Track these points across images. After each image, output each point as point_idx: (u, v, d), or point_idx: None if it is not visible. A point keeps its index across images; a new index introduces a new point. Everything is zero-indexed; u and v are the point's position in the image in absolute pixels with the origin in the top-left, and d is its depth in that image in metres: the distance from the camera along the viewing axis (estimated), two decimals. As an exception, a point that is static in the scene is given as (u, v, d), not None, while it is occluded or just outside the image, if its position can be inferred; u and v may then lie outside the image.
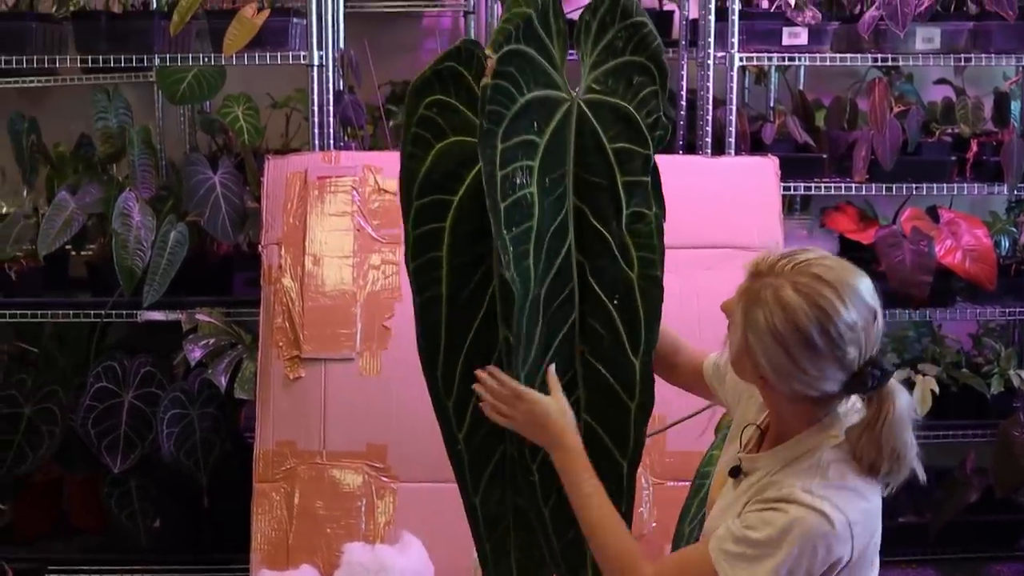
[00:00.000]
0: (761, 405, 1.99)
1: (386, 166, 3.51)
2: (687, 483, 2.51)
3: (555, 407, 2.03)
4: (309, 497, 3.25)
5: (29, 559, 3.78)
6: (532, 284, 2.02)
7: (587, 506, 2.00)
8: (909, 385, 3.89)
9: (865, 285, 1.82)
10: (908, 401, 1.84)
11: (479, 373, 2.06)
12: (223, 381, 3.48)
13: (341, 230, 3.44)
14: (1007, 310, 3.99)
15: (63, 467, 3.91)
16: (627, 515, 2.13)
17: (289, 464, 3.28)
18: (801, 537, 1.78)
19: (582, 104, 2.08)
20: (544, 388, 2.06)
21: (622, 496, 2.14)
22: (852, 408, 1.88)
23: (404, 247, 2.13)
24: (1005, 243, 4.27)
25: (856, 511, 1.81)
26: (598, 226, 2.10)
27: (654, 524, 3.16)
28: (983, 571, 3.91)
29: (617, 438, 2.14)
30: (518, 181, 1.99)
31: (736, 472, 1.97)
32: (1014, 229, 4.17)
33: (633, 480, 2.15)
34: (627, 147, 2.10)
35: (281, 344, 3.35)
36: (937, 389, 3.87)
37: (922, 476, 1.89)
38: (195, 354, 3.51)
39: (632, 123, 2.10)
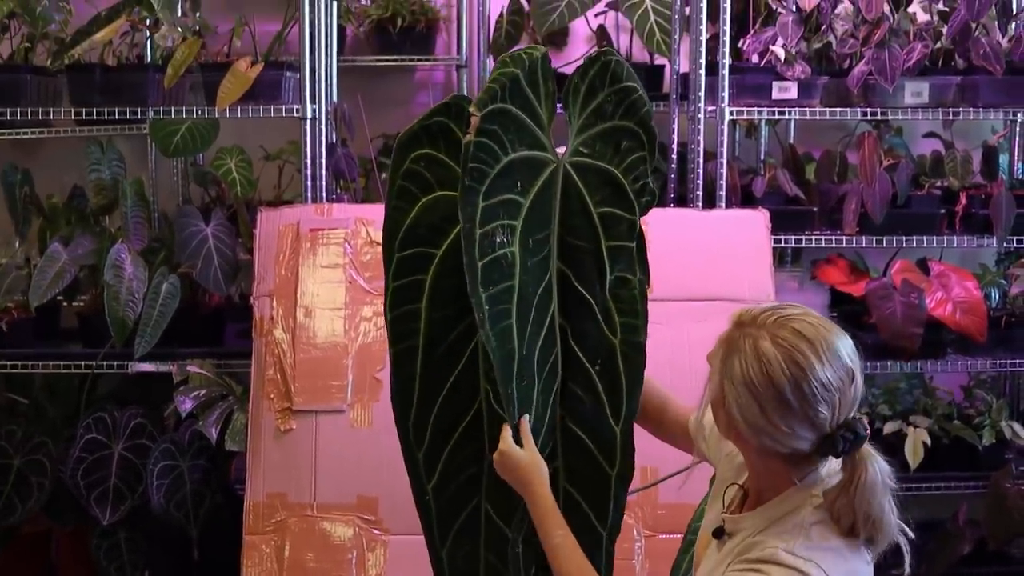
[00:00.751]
0: (742, 464, 1.97)
1: (378, 218, 3.46)
2: (679, 536, 2.50)
3: (526, 459, 2.03)
4: (300, 549, 3.23)
5: (16, 613, 3.76)
6: (515, 344, 2.00)
7: (556, 556, 2.01)
8: (900, 437, 3.89)
9: (846, 345, 1.82)
10: (883, 468, 1.82)
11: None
12: (214, 433, 3.47)
13: (333, 282, 3.45)
14: (998, 362, 4.00)
15: (52, 519, 3.89)
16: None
17: (280, 516, 3.26)
18: None
19: (568, 166, 2.09)
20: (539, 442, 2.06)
21: (601, 564, 2.13)
22: (835, 469, 1.86)
23: (383, 297, 2.14)
24: (995, 295, 4.28)
25: (840, 572, 1.80)
26: (581, 290, 2.09)
27: (646, 578, 3.15)
28: (976, 624, 3.90)
29: (596, 506, 2.14)
30: (498, 239, 1.98)
31: (720, 533, 1.96)
32: (1004, 281, 4.19)
33: (612, 548, 2.14)
34: (613, 211, 2.10)
35: (272, 396, 3.34)
36: (929, 441, 3.87)
37: (910, 534, 1.88)
38: (186, 405, 3.50)
39: (619, 188, 2.10)
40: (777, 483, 1.87)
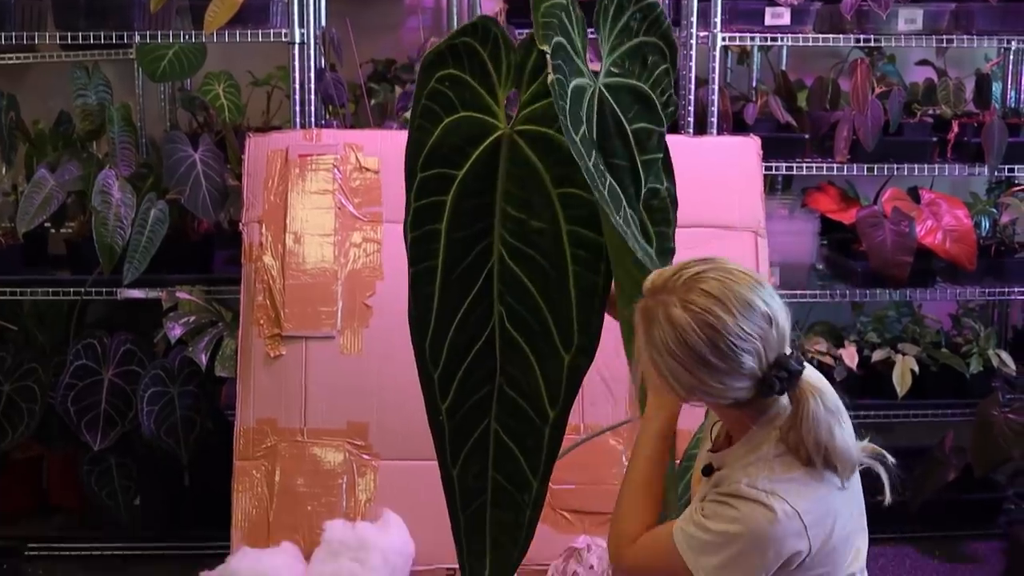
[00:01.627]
0: None
1: (367, 144, 3.50)
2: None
3: None
4: (290, 475, 3.24)
5: (8, 537, 3.76)
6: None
7: (633, 467, 2.03)
8: (888, 365, 3.91)
9: (759, 293, 1.81)
10: (826, 396, 1.84)
11: None
12: (204, 359, 3.47)
13: (322, 208, 3.43)
14: (986, 290, 4.01)
15: (43, 444, 3.90)
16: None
17: (270, 442, 3.27)
18: (748, 533, 1.81)
19: (602, 88, 2.09)
20: None
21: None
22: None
23: (404, 217, 2.15)
24: (985, 224, 4.29)
25: (806, 501, 1.82)
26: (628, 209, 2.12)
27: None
28: (961, 548, 3.93)
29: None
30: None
31: (708, 471, 2.00)
32: (994, 210, 4.18)
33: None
34: (645, 127, 2.14)
35: (262, 322, 3.34)
36: (917, 369, 3.89)
37: (888, 459, 1.91)
38: (175, 332, 3.50)
39: (648, 102, 2.14)
40: (739, 425, 1.92)
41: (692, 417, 2.43)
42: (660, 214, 2.15)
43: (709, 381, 1.80)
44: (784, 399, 1.88)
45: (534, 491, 2.25)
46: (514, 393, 2.22)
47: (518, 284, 2.17)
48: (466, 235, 2.15)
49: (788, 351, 1.83)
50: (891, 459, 1.92)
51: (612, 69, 2.12)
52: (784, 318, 1.83)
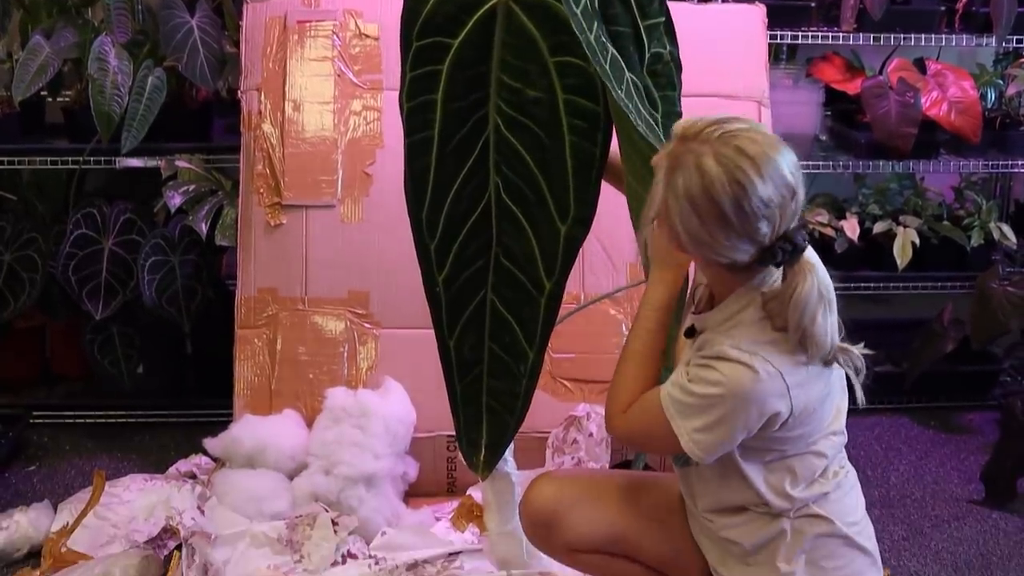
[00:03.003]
0: None
1: (367, 10, 3.45)
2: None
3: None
4: (291, 343, 3.27)
5: (12, 405, 3.80)
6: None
7: (632, 337, 2.05)
8: (889, 237, 3.90)
9: (788, 161, 1.82)
10: (821, 280, 1.86)
11: None
12: (204, 228, 3.47)
13: (322, 75, 3.40)
14: (990, 163, 3.98)
15: (45, 314, 3.91)
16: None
17: (271, 310, 3.29)
18: (731, 394, 1.85)
19: None
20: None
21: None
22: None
23: (400, 87, 2.13)
24: (991, 96, 4.23)
25: (788, 364, 1.86)
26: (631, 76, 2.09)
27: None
28: (956, 419, 3.98)
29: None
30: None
31: (691, 332, 2.03)
32: (1001, 82, 4.14)
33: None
34: None
35: (262, 191, 3.33)
36: (918, 241, 3.89)
37: (859, 367, 1.94)
38: (175, 201, 3.49)
39: None
40: (726, 287, 1.95)
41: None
42: (664, 79, 2.14)
43: (719, 238, 1.82)
44: (778, 270, 1.89)
45: (530, 361, 2.27)
46: (510, 264, 2.22)
47: (514, 154, 2.16)
48: (462, 105, 2.13)
49: (796, 225, 1.84)
50: (861, 365, 1.94)
51: None
52: (803, 193, 1.85)
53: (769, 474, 1.99)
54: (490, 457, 2.42)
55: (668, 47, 2.15)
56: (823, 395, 1.94)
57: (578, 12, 1.92)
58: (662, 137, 2.00)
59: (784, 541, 2.02)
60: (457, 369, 2.34)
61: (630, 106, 1.96)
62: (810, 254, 1.89)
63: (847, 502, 2.07)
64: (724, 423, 1.88)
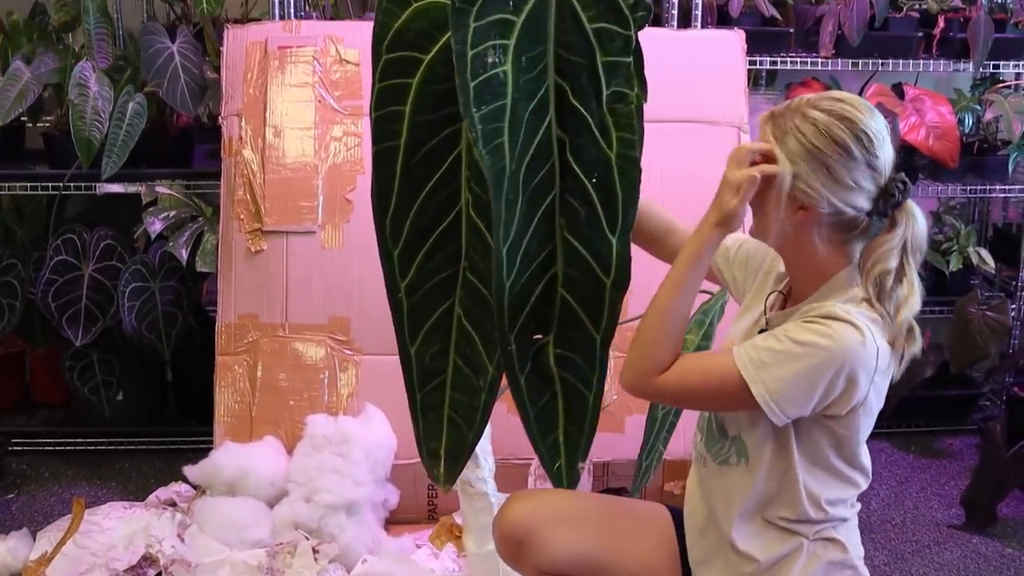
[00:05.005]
0: (778, 277, 2.07)
1: (347, 36, 3.45)
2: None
3: (738, 178, 1.94)
4: (272, 370, 3.26)
5: (-8, 432, 3.79)
6: (507, 162, 2.01)
7: (660, 293, 2.02)
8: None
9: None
10: (919, 228, 1.93)
11: None
12: (184, 254, 3.46)
13: (302, 101, 3.40)
14: (968, 188, 4.01)
15: (24, 340, 3.90)
16: (599, 387, 2.17)
17: (251, 337, 3.28)
18: (834, 346, 1.85)
19: None
20: (524, 261, 2.06)
21: (595, 368, 2.17)
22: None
23: (370, 99, 2.14)
24: (969, 121, 4.27)
25: (885, 347, 1.90)
26: (577, 105, 2.09)
27: (615, 396, 3.20)
28: (936, 444, 3.99)
29: (592, 312, 2.16)
30: (489, 60, 1.98)
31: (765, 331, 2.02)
32: (978, 107, 4.17)
33: (606, 354, 2.18)
34: (607, 27, 2.09)
35: (242, 217, 3.33)
36: (897, 265, 3.90)
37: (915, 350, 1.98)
38: (155, 227, 3.48)
39: (613, 3, 2.09)
40: (827, 267, 1.95)
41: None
42: (624, 119, 2.13)
43: (845, 177, 1.87)
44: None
45: (489, 376, 2.26)
46: (475, 279, 2.23)
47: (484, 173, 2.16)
48: (431, 119, 2.14)
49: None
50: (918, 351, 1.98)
51: None
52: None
53: (812, 480, 1.99)
54: (450, 469, 2.40)
55: (636, 89, 2.14)
56: (882, 398, 1.96)
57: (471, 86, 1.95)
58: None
59: (798, 562, 2.01)
60: (418, 376, 2.33)
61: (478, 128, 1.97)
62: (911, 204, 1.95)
63: (855, 537, 2.08)
64: (810, 376, 1.86)
